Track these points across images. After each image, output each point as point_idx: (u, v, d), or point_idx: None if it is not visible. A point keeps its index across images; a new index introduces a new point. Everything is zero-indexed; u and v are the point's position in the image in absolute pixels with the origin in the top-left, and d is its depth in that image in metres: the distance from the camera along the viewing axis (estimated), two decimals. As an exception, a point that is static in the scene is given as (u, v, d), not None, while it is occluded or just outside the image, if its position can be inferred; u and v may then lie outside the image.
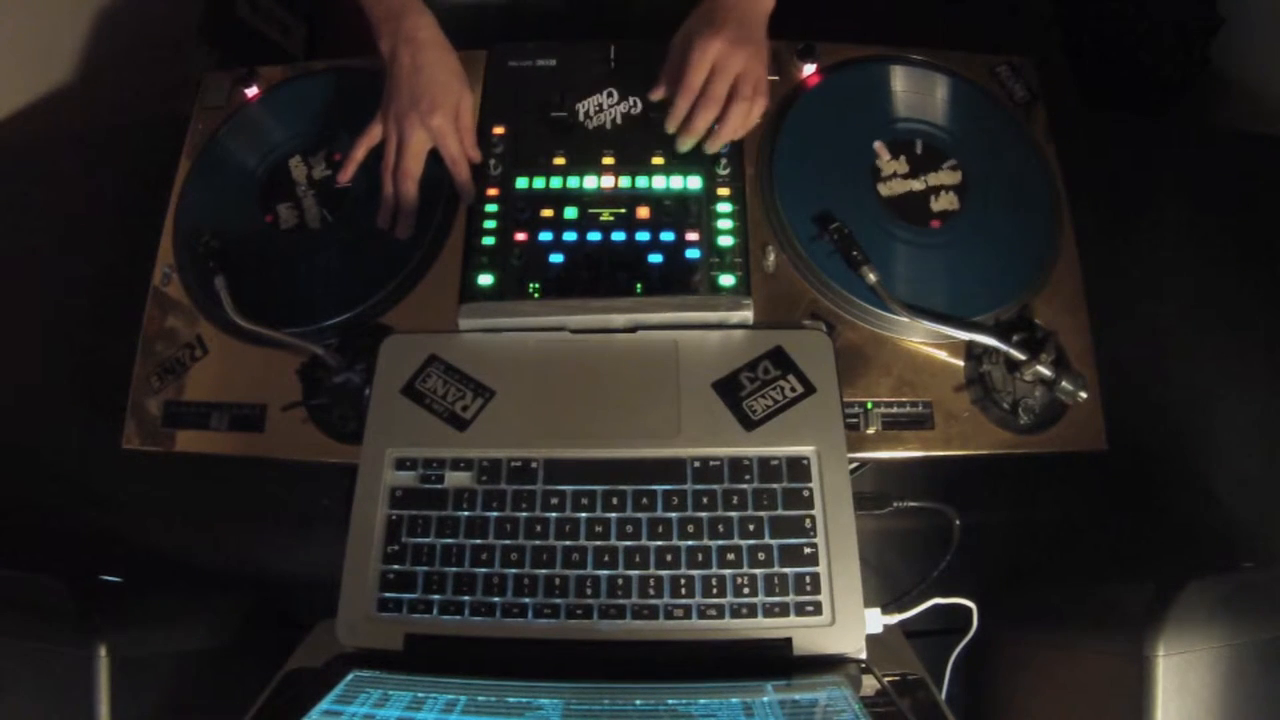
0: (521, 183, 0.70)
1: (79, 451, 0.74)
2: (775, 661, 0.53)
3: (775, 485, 0.57)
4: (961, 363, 0.65)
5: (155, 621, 0.60)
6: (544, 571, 0.55)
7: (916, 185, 0.69)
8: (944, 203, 0.69)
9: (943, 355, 0.65)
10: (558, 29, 0.74)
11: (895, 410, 0.63)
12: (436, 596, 0.55)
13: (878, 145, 0.70)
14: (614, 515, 0.56)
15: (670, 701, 0.46)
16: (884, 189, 0.69)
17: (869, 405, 0.63)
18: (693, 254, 0.66)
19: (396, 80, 0.67)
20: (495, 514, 0.57)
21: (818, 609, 0.54)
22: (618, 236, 0.67)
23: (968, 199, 0.69)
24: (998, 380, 0.63)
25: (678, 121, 0.67)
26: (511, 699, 0.47)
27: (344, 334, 0.66)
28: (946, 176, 0.69)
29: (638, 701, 0.46)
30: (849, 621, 0.53)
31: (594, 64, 0.74)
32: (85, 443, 0.73)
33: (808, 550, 0.55)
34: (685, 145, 0.69)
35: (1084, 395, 0.61)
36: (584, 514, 0.56)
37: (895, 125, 0.72)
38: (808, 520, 0.56)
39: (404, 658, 0.53)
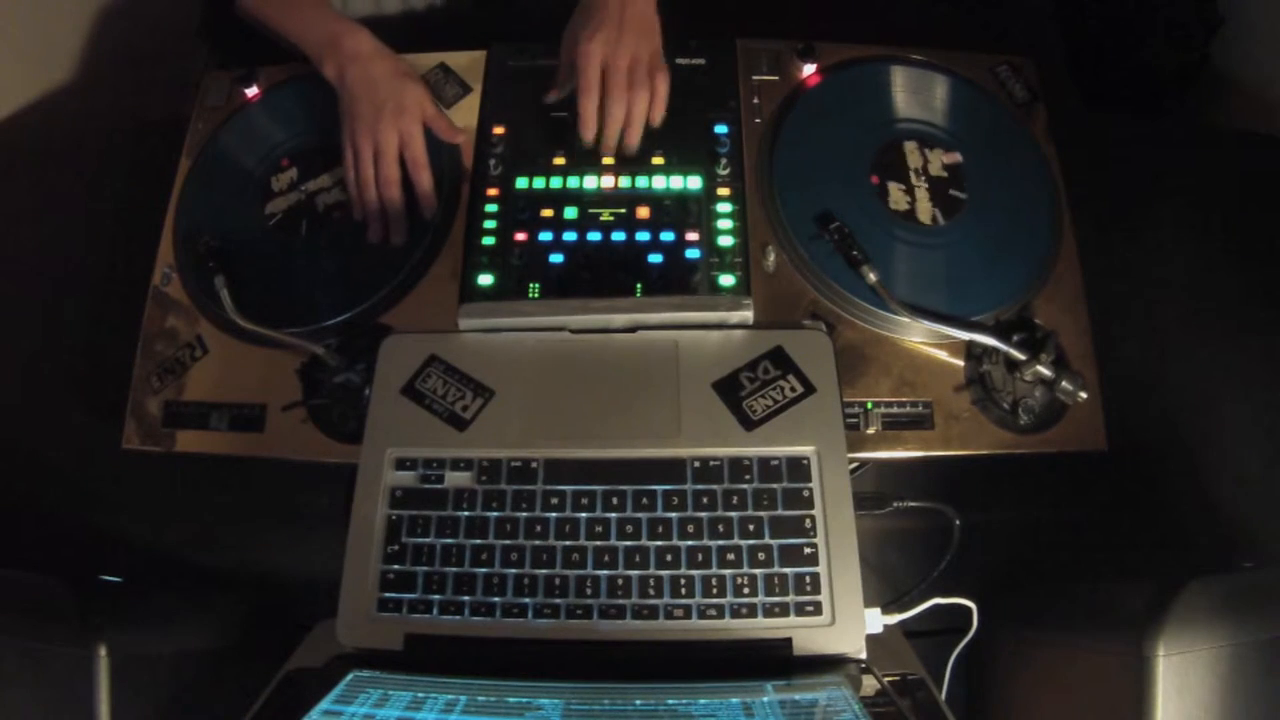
0: (521, 183, 0.70)
1: (79, 451, 0.74)
2: (775, 661, 0.53)
3: (775, 485, 0.57)
4: (961, 363, 0.65)
5: (155, 621, 0.60)
6: (544, 571, 0.55)
7: (920, 193, 0.69)
8: (945, 202, 0.68)
9: (943, 355, 0.65)
10: (558, 29, 0.74)
11: (895, 410, 0.63)
12: (436, 596, 0.55)
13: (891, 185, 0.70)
14: (614, 515, 0.56)
15: (670, 701, 0.46)
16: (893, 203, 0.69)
17: (869, 405, 0.63)
18: (693, 254, 0.66)
19: (354, 97, 0.67)
20: (495, 514, 0.57)
21: (818, 609, 0.54)
22: (618, 236, 0.67)
23: (968, 199, 0.69)
24: (998, 380, 0.63)
25: (590, 127, 0.66)
26: (511, 699, 0.47)
27: (344, 334, 0.66)
28: (946, 176, 0.69)
29: (638, 701, 0.46)
30: (849, 621, 0.53)
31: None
32: (85, 443, 0.73)
33: (808, 550, 0.55)
34: (609, 147, 0.68)
35: (1084, 395, 0.61)
36: (584, 514, 0.56)
37: (895, 125, 0.72)
38: (808, 520, 0.56)
39: (404, 658, 0.53)
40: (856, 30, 0.77)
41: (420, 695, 0.47)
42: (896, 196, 0.68)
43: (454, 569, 0.55)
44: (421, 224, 0.69)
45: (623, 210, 0.68)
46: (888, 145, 0.70)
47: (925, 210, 0.68)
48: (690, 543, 0.55)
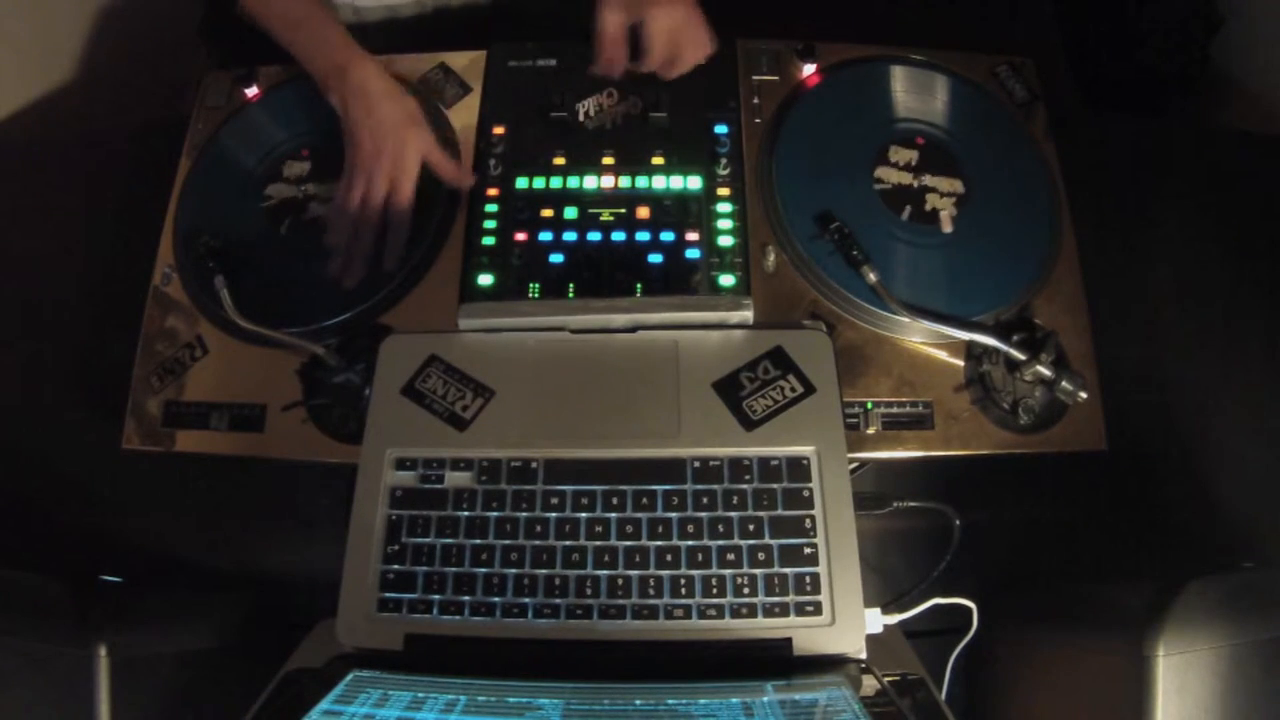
0: (521, 183, 0.70)
1: (79, 451, 0.74)
2: (775, 661, 0.53)
3: (775, 485, 0.57)
4: (961, 363, 0.65)
5: (155, 621, 0.59)
6: (544, 571, 0.55)
7: (914, 181, 0.69)
8: (944, 202, 0.68)
9: (943, 355, 0.65)
10: (557, 29, 0.74)
11: (895, 410, 0.63)
12: (436, 596, 0.55)
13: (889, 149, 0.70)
14: (614, 515, 0.56)
15: (670, 701, 0.46)
16: (881, 173, 0.68)
17: (869, 405, 0.63)
18: (693, 254, 0.66)
19: (355, 137, 0.65)
20: (495, 514, 0.57)
21: (818, 609, 0.54)
22: (618, 236, 0.67)
23: (968, 199, 0.69)
24: (998, 380, 0.63)
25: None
26: (511, 699, 0.47)
27: (344, 334, 0.66)
28: (946, 177, 0.69)
29: (638, 701, 0.46)
30: (849, 621, 0.53)
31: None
32: (85, 443, 0.73)
33: (808, 550, 0.55)
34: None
35: (1084, 395, 0.61)
36: (584, 514, 0.56)
37: (895, 125, 0.72)
38: (808, 520, 0.56)
39: (404, 658, 0.53)
40: (856, 30, 0.77)
41: (420, 695, 0.47)
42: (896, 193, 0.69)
43: (454, 569, 0.55)
44: (423, 224, 0.68)
45: (623, 210, 0.68)
46: (888, 145, 0.70)
47: (923, 210, 0.68)
48: (690, 543, 0.55)
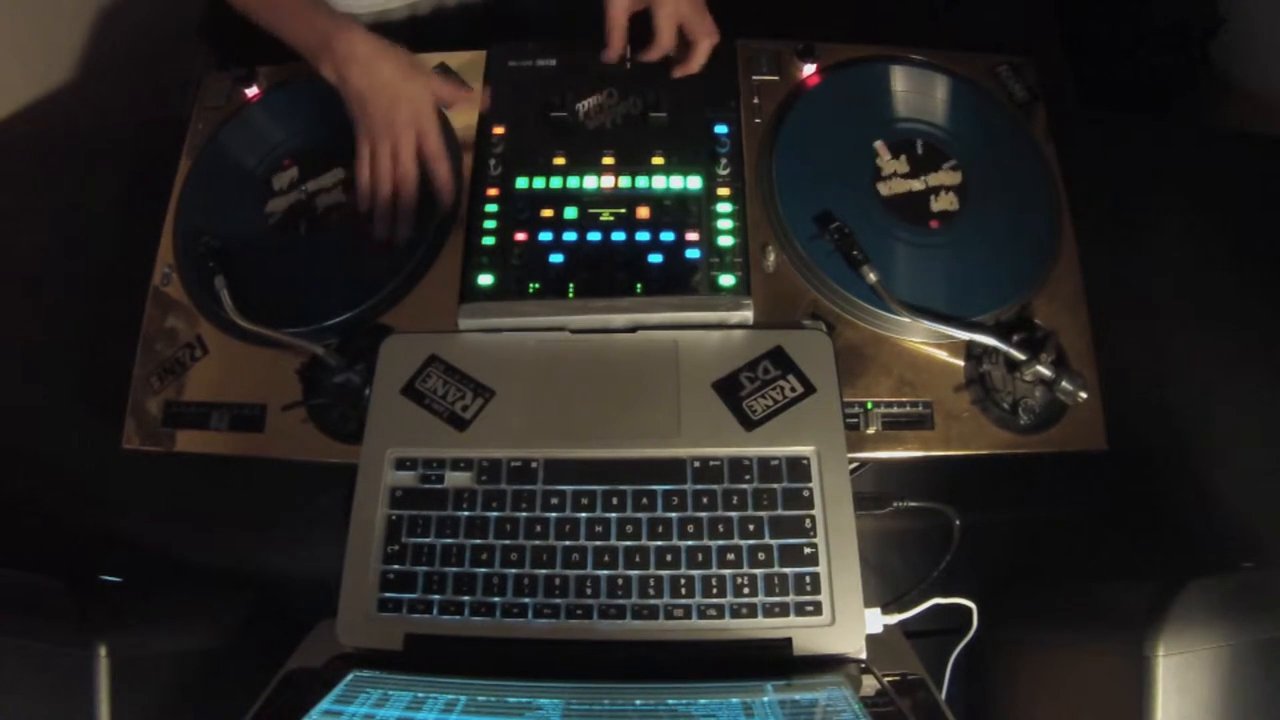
0: (521, 183, 0.70)
1: (79, 451, 0.74)
2: (775, 661, 0.53)
3: (775, 485, 0.57)
4: (961, 363, 0.65)
5: (155, 621, 0.60)
6: (544, 571, 0.55)
7: (916, 185, 0.69)
8: (944, 203, 0.69)
9: (943, 355, 0.65)
10: (557, 29, 0.74)
11: (895, 410, 0.63)
12: (436, 596, 0.55)
13: (879, 145, 0.70)
14: (614, 515, 0.56)
15: (670, 701, 0.46)
16: (884, 188, 0.69)
17: (869, 405, 0.63)
18: (693, 254, 0.66)
19: (363, 101, 0.66)
20: (495, 514, 0.57)
21: (818, 609, 0.54)
22: (618, 236, 0.67)
23: (968, 199, 0.69)
24: (998, 380, 0.63)
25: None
26: (511, 699, 0.47)
27: (344, 334, 0.66)
28: (946, 176, 0.69)
29: (638, 701, 0.46)
30: (849, 621, 0.53)
31: (594, 64, 0.74)
32: (85, 443, 0.73)
33: (808, 550, 0.55)
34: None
35: (1084, 395, 0.61)
36: (584, 514, 0.56)
37: (895, 125, 0.72)
38: (808, 520, 0.56)
39: (404, 658, 0.53)
40: (856, 30, 0.77)
41: (420, 695, 0.47)
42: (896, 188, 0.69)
43: (454, 569, 0.55)
44: (423, 224, 0.68)
45: (623, 210, 0.68)
46: (887, 145, 0.70)
47: (923, 210, 0.68)
48: (690, 543, 0.55)
